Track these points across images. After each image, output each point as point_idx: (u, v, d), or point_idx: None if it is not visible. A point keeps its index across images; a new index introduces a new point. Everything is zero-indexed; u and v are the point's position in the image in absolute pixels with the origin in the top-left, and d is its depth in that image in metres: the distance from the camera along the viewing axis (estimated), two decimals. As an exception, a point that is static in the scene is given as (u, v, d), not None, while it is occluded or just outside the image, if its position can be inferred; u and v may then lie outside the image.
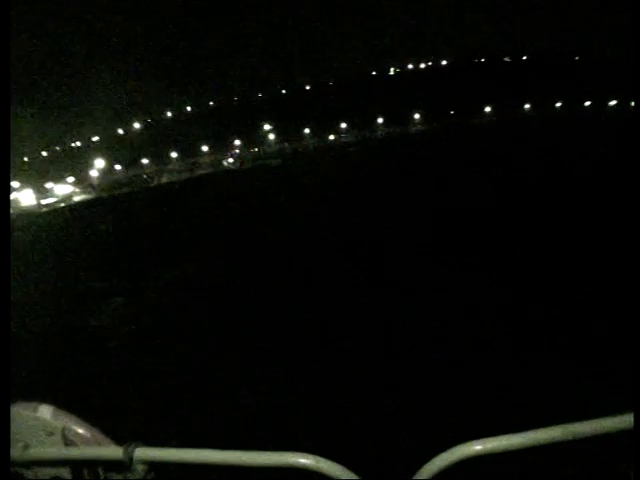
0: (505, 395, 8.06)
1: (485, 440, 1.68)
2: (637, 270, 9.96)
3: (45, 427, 2.24)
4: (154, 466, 2.06)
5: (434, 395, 8.53)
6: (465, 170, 38.62)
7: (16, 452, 2.22)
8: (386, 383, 9.31)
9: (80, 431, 2.24)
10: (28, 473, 2.28)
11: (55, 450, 2.21)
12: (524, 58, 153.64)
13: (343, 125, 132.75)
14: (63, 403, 2.33)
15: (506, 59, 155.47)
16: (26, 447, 2.23)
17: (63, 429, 2.22)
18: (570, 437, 1.64)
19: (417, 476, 1.75)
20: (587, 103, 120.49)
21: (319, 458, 1.78)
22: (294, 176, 60.11)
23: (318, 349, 11.36)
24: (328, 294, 15.34)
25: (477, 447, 1.67)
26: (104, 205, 71.23)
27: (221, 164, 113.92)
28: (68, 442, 2.22)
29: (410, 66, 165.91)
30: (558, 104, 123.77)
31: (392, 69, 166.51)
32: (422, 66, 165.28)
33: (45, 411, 2.27)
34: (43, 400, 2.32)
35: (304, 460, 1.78)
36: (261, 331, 13.08)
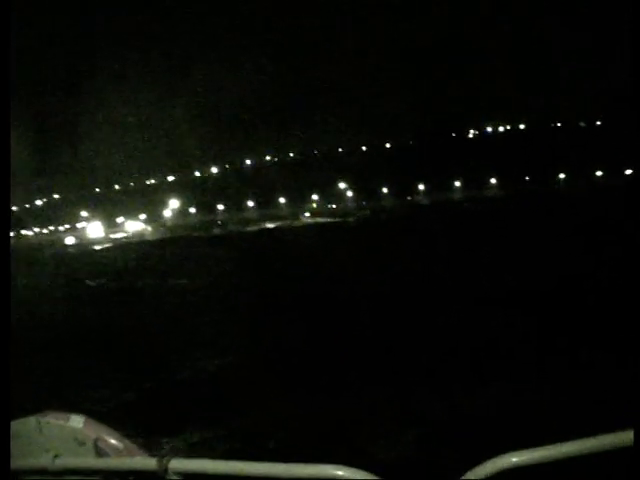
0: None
1: (523, 452, 1.64)
2: None
3: (76, 437, 2.26)
4: (188, 478, 2.03)
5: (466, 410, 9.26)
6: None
7: (46, 461, 2.24)
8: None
9: (112, 441, 2.26)
10: None
11: (87, 460, 2.23)
12: (598, 123, 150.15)
13: (421, 187, 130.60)
14: (95, 414, 2.35)
15: (581, 124, 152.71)
16: (56, 457, 2.25)
17: (95, 439, 2.25)
18: (611, 448, 1.62)
19: None
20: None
21: (356, 470, 1.72)
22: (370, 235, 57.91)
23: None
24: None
25: (514, 459, 1.63)
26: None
27: (298, 218, 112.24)
28: (100, 452, 2.24)
29: (489, 129, 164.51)
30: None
31: (471, 131, 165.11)
32: (500, 129, 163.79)
33: (77, 421, 2.29)
34: (75, 410, 2.34)
35: (341, 472, 1.71)
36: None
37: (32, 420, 2.34)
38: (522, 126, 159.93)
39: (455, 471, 1.72)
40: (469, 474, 1.67)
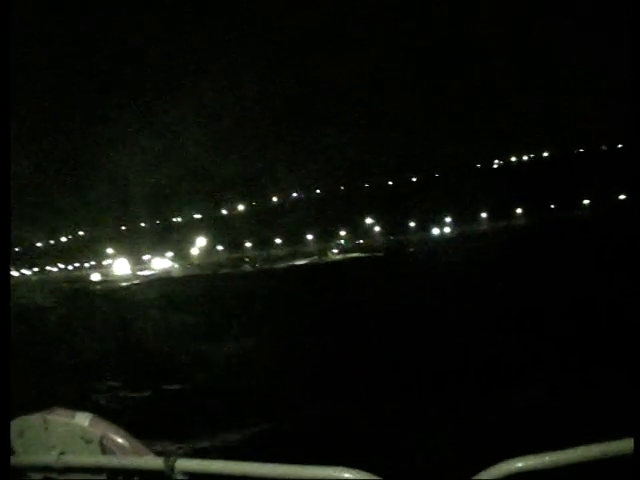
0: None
1: (528, 457, 1.67)
2: None
3: (82, 434, 2.27)
4: (194, 478, 2.04)
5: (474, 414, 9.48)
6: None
7: (52, 459, 2.25)
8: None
9: (119, 440, 2.26)
10: None
11: (93, 458, 2.24)
12: (619, 146, 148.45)
13: (448, 219, 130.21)
14: (102, 412, 2.34)
15: (603, 147, 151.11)
16: (62, 454, 2.25)
17: (101, 437, 2.25)
18: (613, 455, 1.65)
19: None
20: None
21: (359, 472, 1.75)
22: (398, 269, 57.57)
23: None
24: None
25: (519, 464, 1.66)
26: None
27: (326, 254, 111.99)
28: (106, 450, 2.25)
29: (513, 159, 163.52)
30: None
31: (496, 161, 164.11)
32: (525, 158, 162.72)
33: (83, 419, 2.29)
34: (81, 408, 2.35)
35: (345, 474, 1.74)
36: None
37: (38, 417, 2.33)
38: (545, 154, 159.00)
39: (461, 475, 1.74)
40: (475, 478, 1.68)
